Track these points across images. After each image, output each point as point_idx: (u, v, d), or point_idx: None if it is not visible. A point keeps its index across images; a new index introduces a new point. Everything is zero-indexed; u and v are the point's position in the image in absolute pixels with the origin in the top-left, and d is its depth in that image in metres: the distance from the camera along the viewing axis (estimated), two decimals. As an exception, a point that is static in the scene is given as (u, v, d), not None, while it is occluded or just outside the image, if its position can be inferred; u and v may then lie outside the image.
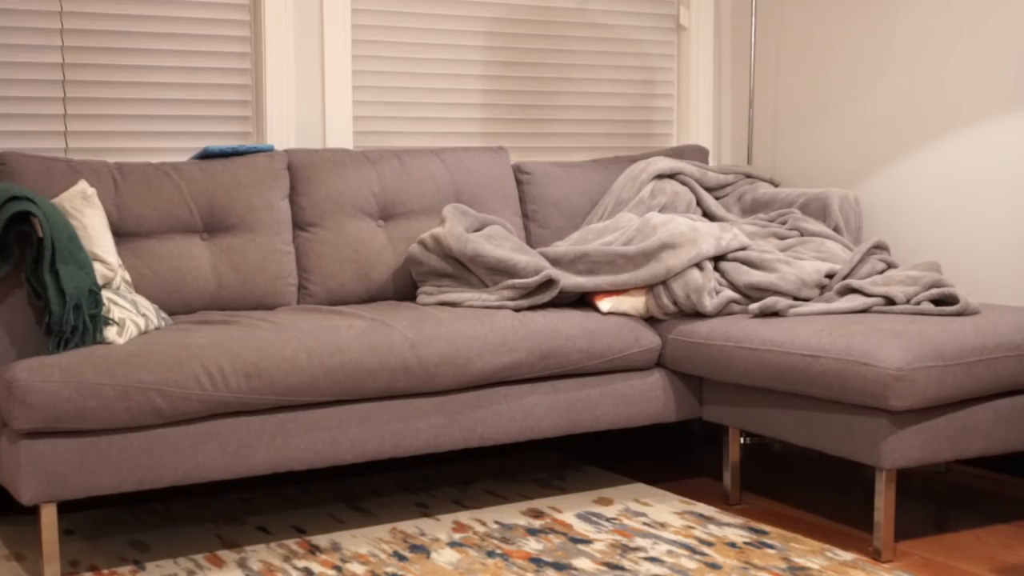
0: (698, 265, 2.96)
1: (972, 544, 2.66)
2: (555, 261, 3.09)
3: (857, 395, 2.51)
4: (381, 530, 2.77)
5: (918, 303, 2.83)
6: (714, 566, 2.49)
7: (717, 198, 3.61)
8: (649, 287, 3.00)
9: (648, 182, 3.42)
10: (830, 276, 3.04)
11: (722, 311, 2.96)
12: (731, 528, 2.76)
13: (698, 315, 2.98)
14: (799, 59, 3.84)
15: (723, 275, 3.02)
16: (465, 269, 3.07)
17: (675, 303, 2.97)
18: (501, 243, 3.08)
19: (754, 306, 2.89)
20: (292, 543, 2.68)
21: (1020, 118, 3.14)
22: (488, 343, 2.74)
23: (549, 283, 2.96)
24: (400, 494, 3.09)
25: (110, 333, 2.45)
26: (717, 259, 3.05)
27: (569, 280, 3.00)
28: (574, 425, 2.89)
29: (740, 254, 3.03)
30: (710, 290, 2.94)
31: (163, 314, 2.74)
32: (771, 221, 3.40)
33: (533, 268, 2.95)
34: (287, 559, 2.56)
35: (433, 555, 2.58)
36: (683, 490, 3.13)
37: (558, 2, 3.82)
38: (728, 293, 2.96)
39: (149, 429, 2.39)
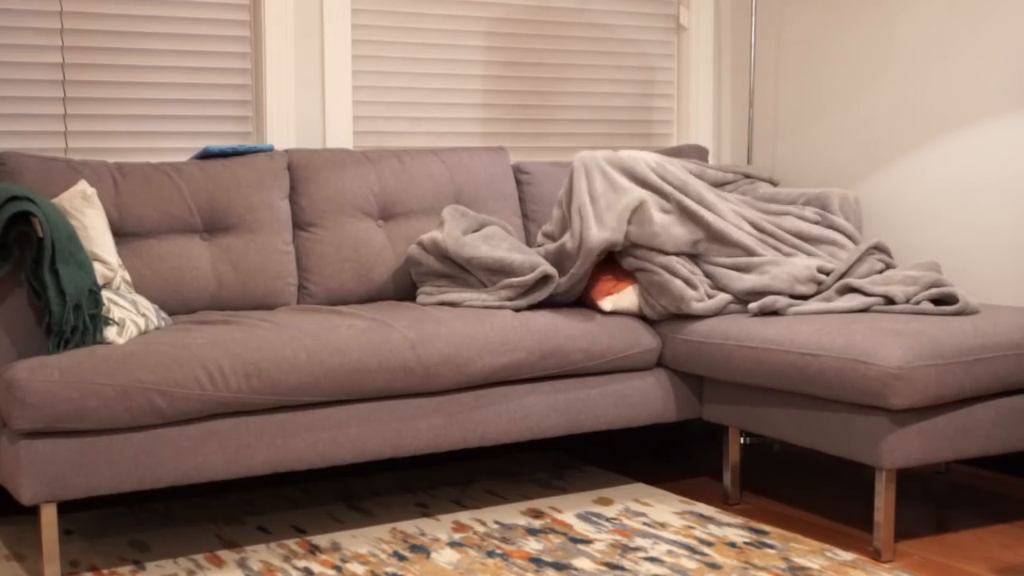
0: (670, 270, 2.94)
1: (972, 544, 2.66)
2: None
3: (857, 394, 2.51)
4: (381, 530, 2.77)
5: (917, 303, 2.83)
6: (714, 566, 2.49)
7: None
8: (638, 293, 3.01)
9: None
10: (825, 273, 3.04)
11: (721, 312, 2.96)
12: (731, 528, 2.76)
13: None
14: (799, 59, 3.84)
15: (715, 281, 3.01)
16: (464, 270, 3.07)
17: (665, 310, 2.97)
18: (499, 243, 3.08)
19: (754, 305, 2.89)
20: (292, 543, 2.68)
21: (1020, 118, 3.14)
22: (488, 343, 2.74)
23: (546, 279, 2.96)
24: (400, 494, 3.09)
25: (110, 333, 2.45)
26: (695, 258, 3.03)
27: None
28: (574, 425, 2.89)
29: (728, 260, 3.01)
30: (697, 297, 2.94)
31: (163, 314, 2.74)
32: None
33: (529, 265, 2.95)
34: (287, 559, 2.56)
35: (433, 555, 2.58)
36: (683, 490, 3.13)
37: (558, 2, 3.82)
38: (724, 296, 2.96)
39: (149, 429, 2.40)
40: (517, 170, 3.54)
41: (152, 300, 2.92)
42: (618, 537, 2.69)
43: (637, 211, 2.98)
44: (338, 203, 3.20)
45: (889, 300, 2.87)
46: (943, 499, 3.04)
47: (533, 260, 2.96)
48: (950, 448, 2.57)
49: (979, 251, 3.24)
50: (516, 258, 2.97)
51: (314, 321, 2.68)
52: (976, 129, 3.26)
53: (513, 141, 3.79)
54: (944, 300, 2.85)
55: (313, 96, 3.43)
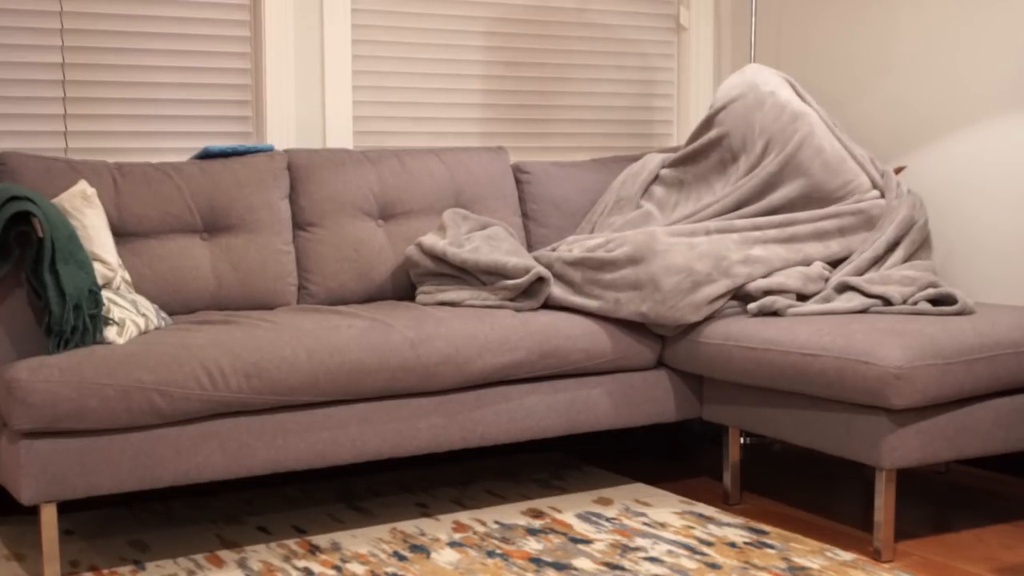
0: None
1: (972, 544, 2.66)
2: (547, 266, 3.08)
3: (857, 394, 2.51)
4: (381, 530, 2.77)
5: (915, 303, 2.83)
6: (714, 566, 2.49)
7: None
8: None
9: (650, 179, 3.42)
10: (834, 264, 3.02)
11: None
12: (731, 528, 2.76)
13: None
14: (799, 59, 3.84)
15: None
16: (462, 271, 3.07)
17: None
18: (499, 244, 3.08)
19: (753, 306, 2.88)
20: (292, 543, 2.68)
21: (1020, 118, 3.14)
22: (488, 342, 2.74)
23: (541, 281, 2.95)
24: (400, 494, 3.09)
25: (110, 333, 2.45)
26: None
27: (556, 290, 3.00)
28: (574, 425, 2.89)
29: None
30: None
31: (163, 314, 2.74)
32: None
33: (523, 268, 2.94)
34: (287, 559, 2.56)
35: (433, 555, 2.58)
36: (683, 490, 3.13)
37: (558, 2, 3.83)
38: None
39: (149, 429, 2.40)
40: (517, 170, 3.54)
41: (152, 300, 2.92)
42: (618, 537, 2.69)
43: None
44: (338, 203, 3.20)
45: (887, 301, 2.86)
46: (943, 499, 3.04)
47: (527, 263, 2.95)
48: (950, 448, 2.57)
49: (979, 251, 3.24)
50: (510, 260, 2.96)
51: (314, 321, 2.68)
52: (976, 129, 3.26)
53: (513, 141, 3.79)
54: (942, 300, 2.85)
55: (313, 96, 3.43)
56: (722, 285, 2.88)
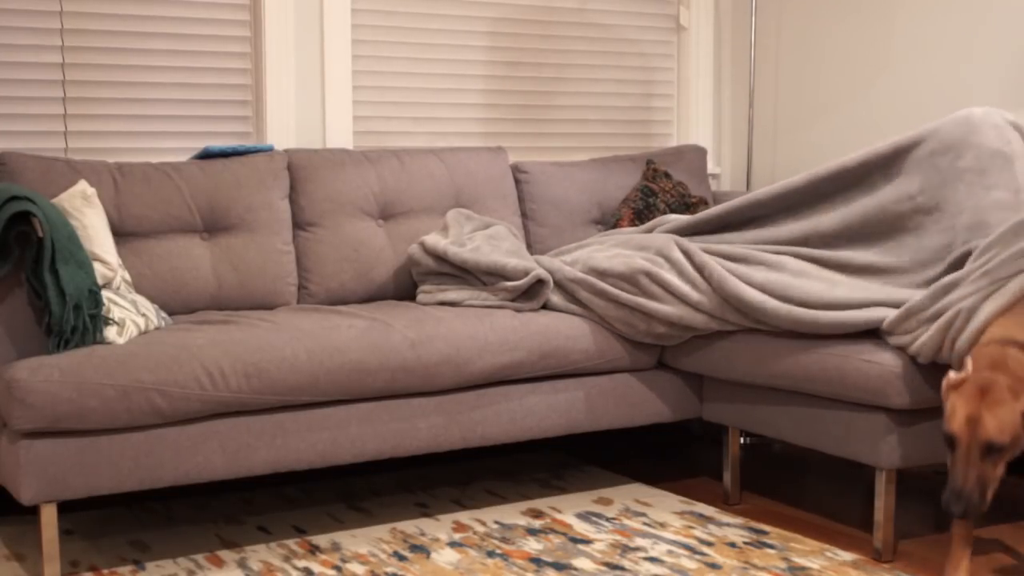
0: None
1: (972, 544, 2.66)
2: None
3: (859, 392, 2.51)
4: (381, 530, 2.77)
5: None
6: (714, 566, 2.49)
7: None
8: None
9: None
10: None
11: None
12: (731, 528, 2.76)
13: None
14: (799, 59, 3.85)
15: None
16: (463, 270, 3.06)
17: None
18: (499, 243, 3.07)
19: None
20: (292, 543, 2.68)
21: (1019, 118, 3.14)
22: (488, 343, 2.74)
23: (541, 283, 2.95)
24: (400, 494, 3.09)
25: (110, 333, 2.45)
26: None
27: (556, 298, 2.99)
28: (574, 425, 2.89)
29: None
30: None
31: (163, 314, 2.74)
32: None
33: (523, 270, 2.93)
34: (287, 559, 2.56)
35: (433, 555, 2.58)
36: (683, 490, 3.13)
37: (558, 2, 3.83)
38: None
39: (149, 429, 2.40)
40: (516, 170, 3.54)
41: (152, 300, 2.92)
42: (618, 537, 2.69)
43: None
44: (338, 203, 3.20)
45: None
46: (943, 499, 3.03)
47: (527, 265, 2.94)
48: (950, 448, 2.56)
49: (979, 251, 3.24)
50: (510, 262, 2.95)
51: (314, 321, 2.68)
52: (976, 129, 3.25)
53: (513, 141, 3.79)
54: None
55: (313, 96, 3.43)
56: (712, 329, 2.86)
